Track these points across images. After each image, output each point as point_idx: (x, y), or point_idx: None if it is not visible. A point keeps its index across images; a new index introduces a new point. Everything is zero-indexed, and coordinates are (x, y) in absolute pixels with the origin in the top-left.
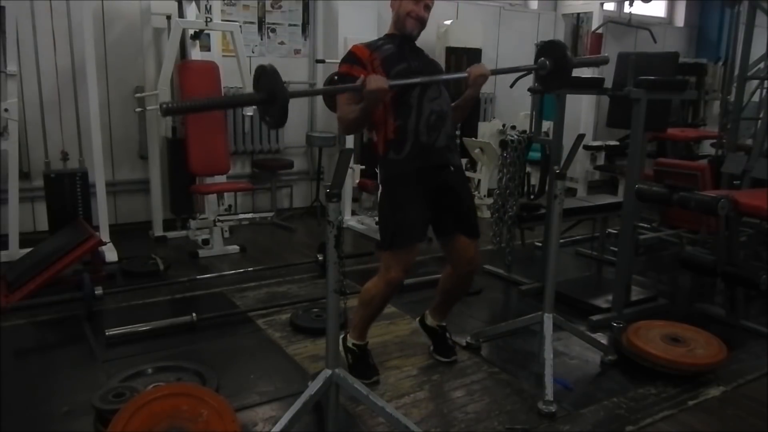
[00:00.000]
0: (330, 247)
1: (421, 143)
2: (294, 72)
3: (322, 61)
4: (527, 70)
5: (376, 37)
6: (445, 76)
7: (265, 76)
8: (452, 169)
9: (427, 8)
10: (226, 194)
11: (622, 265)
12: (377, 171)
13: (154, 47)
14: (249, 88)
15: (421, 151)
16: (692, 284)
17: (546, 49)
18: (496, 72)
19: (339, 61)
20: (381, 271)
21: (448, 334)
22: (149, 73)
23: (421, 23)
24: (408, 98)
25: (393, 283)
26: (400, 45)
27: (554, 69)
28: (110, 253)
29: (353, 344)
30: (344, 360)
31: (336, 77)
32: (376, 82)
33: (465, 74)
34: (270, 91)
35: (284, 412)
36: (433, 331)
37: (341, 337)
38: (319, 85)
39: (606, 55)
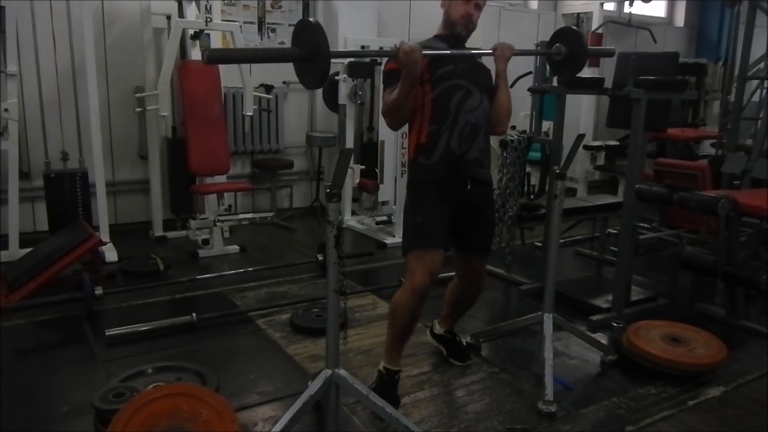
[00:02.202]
0: (330, 247)
1: (451, 152)
2: (294, 72)
3: None
4: (544, 54)
5: (375, 37)
6: (473, 52)
7: (308, 32)
8: (480, 183)
9: (478, 8)
10: (226, 194)
11: (622, 265)
12: (377, 171)
13: (154, 47)
14: (249, 88)
15: (451, 160)
16: (692, 284)
17: (562, 35)
18: (518, 53)
19: (339, 61)
20: (406, 279)
21: (458, 338)
22: (149, 73)
23: (472, 24)
24: (447, 104)
25: (418, 289)
26: (449, 46)
27: (569, 55)
28: (110, 253)
29: (384, 367)
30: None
31: (384, 73)
32: (409, 45)
33: (490, 51)
34: (312, 48)
35: (284, 412)
36: (443, 338)
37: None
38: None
39: (612, 48)
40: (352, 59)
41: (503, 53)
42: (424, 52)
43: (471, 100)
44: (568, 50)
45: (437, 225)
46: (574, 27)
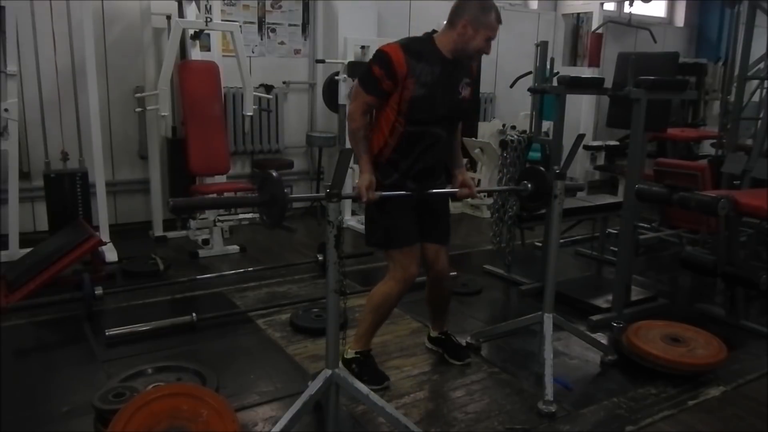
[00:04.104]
0: (330, 247)
1: (406, 183)
2: (294, 72)
3: (322, 61)
4: (510, 191)
5: (375, 37)
6: (438, 191)
7: (269, 182)
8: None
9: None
10: (226, 194)
11: (622, 265)
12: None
13: (154, 47)
14: (249, 88)
15: (406, 190)
16: (692, 284)
17: (528, 173)
18: (482, 191)
19: (339, 60)
20: (393, 271)
21: (454, 338)
22: (149, 73)
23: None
24: (413, 146)
25: (409, 279)
26: (442, 68)
27: (534, 192)
28: (110, 253)
29: (356, 352)
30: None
31: (364, 71)
32: (370, 196)
33: (456, 191)
34: (272, 195)
35: (284, 412)
36: (439, 340)
37: (341, 355)
38: (319, 85)
39: (583, 183)
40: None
41: (460, 198)
42: (384, 194)
43: (436, 149)
44: (534, 187)
45: (408, 222)
46: (540, 168)
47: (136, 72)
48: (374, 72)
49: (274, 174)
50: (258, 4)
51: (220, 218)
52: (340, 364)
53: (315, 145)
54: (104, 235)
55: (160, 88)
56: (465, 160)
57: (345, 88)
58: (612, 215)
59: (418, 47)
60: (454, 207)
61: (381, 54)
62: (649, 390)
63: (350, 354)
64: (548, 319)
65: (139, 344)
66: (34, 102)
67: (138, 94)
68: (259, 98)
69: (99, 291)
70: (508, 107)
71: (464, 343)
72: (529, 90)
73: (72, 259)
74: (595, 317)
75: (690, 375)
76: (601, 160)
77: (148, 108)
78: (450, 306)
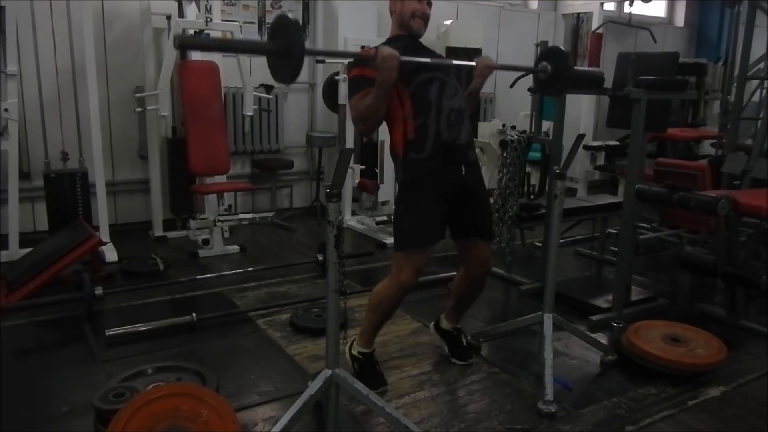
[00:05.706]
0: (330, 247)
1: (442, 140)
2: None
3: (322, 61)
4: (528, 71)
5: (375, 37)
6: (455, 62)
7: (284, 28)
8: (470, 166)
9: (429, 5)
10: (226, 194)
11: (622, 265)
12: (377, 171)
13: (154, 47)
14: (249, 88)
15: (443, 148)
16: (692, 284)
17: (548, 53)
18: (500, 67)
19: (339, 60)
20: (392, 272)
21: (463, 337)
22: (149, 73)
23: (426, 21)
24: (427, 96)
25: (404, 285)
26: (408, 46)
27: (554, 74)
28: (110, 253)
29: (359, 352)
30: (350, 367)
31: (346, 78)
32: (389, 50)
33: (473, 63)
34: (287, 44)
35: (284, 412)
36: (449, 334)
37: (348, 345)
38: (319, 86)
39: (601, 70)
40: (349, 59)
41: (483, 72)
42: (403, 58)
43: (448, 88)
44: (554, 68)
45: (430, 223)
46: (560, 47)
47: (136, 72)
48: (355, 73)
49: (291, 16)
50: (258, 4)
51: (220, 218)
52: (350, 359)
53: (315, 145)
54: (104, 235)
55: (160, 88)
56: None
57: (345, 88)
58: (612, 215)
59: (382, 43)
60: None
61: (353, 60)
62: (649, 390)
63: (355, 349)
64: (548, 319)
65: (139, 344)
66: (34, 102)
67: (138, 94)
68: (259, 98)
69: (99, 291)
70: (508, 107)
71: (465, 343)
72: (529, 90)
73: (72, 259)
74: (595, 317)
75: (690, 375)
76: (601, 160)
77: (148, 108)
78: None
